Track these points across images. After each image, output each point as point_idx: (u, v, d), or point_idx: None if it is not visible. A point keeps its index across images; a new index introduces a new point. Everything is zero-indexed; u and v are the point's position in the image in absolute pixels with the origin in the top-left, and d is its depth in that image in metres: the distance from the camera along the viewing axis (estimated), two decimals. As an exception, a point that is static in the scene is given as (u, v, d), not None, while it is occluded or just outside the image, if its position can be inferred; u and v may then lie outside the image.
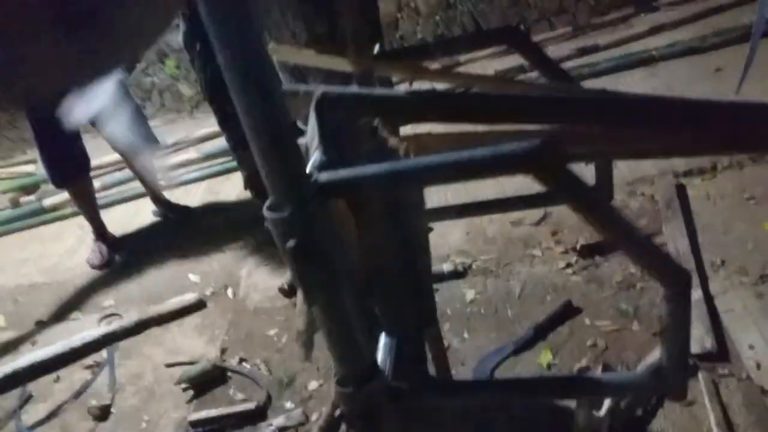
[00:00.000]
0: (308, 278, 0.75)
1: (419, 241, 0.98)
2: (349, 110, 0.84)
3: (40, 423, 2.34)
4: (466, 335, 2.23)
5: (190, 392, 2.30)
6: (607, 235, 0.76)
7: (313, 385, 2.20)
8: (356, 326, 0.84)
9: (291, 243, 0.70)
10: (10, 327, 3.03)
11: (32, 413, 2.41)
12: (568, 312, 2.19)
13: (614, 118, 0.94)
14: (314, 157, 0.84)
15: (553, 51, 4.38)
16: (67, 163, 2.94)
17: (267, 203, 0.72)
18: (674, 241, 2.32)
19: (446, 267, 2.50)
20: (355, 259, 0.90)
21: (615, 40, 4.27)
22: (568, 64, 4.10)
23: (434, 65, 1.15)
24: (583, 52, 4.23)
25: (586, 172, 1.19)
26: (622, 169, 2.77)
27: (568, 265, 2.41)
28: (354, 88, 0.97)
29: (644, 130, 1.05)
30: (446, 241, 2.65)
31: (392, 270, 0.96)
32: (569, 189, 0.71)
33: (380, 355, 1.04)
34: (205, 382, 2.29)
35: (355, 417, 0.89)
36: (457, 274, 2.49)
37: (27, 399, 2.48)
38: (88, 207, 3.24)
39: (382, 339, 1.08)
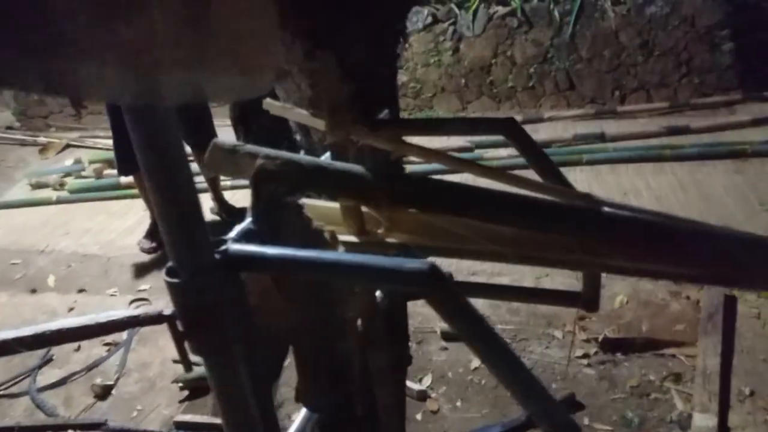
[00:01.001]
0: (196, 343, 0.76)
1: (338, 325, 0.96)
2: (287, 184, 0.84)
3: (49, 387, 2.49)
4: (458, 404, 2.17)
5: (185, 392, 2.36)
6: (492, 372, 0.72)
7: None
8: (249, 396, 0.84)
9: (170, 311, 0.70)
10: (57, 289, 3.26)
11: (47, 376, 2.57)
12: (569, 405, 2.07)
13: (590, 231, 0.91)
14: (241, 225, 0.85)
15: (641, 124, 4.21)
16: (134, 155, 3.13)
17: (165, 267, 0.74)
18: (704, 357, 2.14)
19: (460, 328, 2.44)
20: (269, 329, 0.90)
21: (709, 125, 4.03)
22: (652, 141, 3.92)
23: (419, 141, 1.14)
24: (673, 131, 4.02)
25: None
26: (672, 267, 2.60)
27: (585, 356, 2.29)
28: (318, 158, 0.97)
29: (622, 249, 1.00)
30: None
31: (307, 347, 0.95)
32: (455, 311, 0.68)
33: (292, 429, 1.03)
34: (200, 387, 2.36)
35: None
36: (469, 338, 2.42)
37: (47, 361, 2.65)
38: (147, 196, 3.44)
39: (300, 415, 1.08)
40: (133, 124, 0.63)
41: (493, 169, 1.08)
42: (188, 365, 2.40)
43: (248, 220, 0.87)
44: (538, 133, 4.32)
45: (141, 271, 3.26)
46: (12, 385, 2.53)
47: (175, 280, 0.73)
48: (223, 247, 0.77)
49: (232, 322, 0.77)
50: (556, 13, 4.60)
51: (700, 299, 2.47)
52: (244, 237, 0.81)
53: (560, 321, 2.47)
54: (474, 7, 4.79)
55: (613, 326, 2.37)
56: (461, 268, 2.63)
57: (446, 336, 2.46)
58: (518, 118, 4.60)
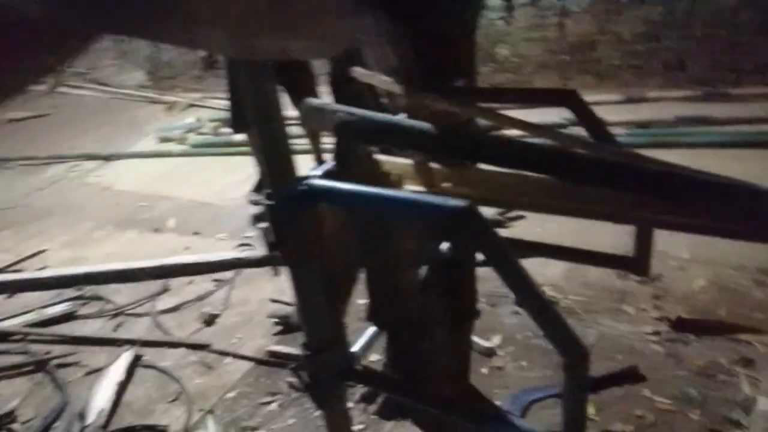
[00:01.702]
0: (282, 253, 0.98)
1: (400, 255, 1.13)
2: (361, 136, 1.03)
3: (166, 312, 2.88)
4: (523, 363, 2.30)
5: (278, 328, 2.66)
6: (515, 296, 0.87)
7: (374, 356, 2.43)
8: (323, 303, 1.04)
9: (264, 225, 0.92)
10: (177, 230, 3.69)
11: (164, 302, 2.96)
12: (630, 376, 2.14)
13: (643, 188, 0.95)
14: (325, 166, 1.05)
15: (751, 109, 4.01)
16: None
17: (264, 192, 0.95)
18: (779, 346, 2.13)
19: (533, 295, 2.55)
20: (343, 254, 1.10)
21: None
22: (762, 127, 3.74)
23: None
24: (788, 118, 3.82)
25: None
26: (760, 252, 2.55)
27: (656, 333, 2.33)
28: (389, 117, 1.15)
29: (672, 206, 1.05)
30: (543, 272, 2.68)
31: (374, 271, 1.14)
32: (485, 247, 0.84)
33: (360, 343, 1.22)
34: (292, 323, 2.64)
35: (306, 382, 1.10)
36: (541, 305, 2.52)
37: (165, 290, 3.05)
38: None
39: (369, 330, 1.27)
40: (244, 82, 0.84)
41: (550, 129, 1.19)
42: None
43: (331, 163, 1.07)
44: (639, 112, 4.23)
45: (248, 220, 3.61)
46: (137, 307, 2.95)
47: (270, 202, 0.95)
48: (308, 182, 0.97)
49: (309, 239, 0.98)
50: (671, -11, 4.44)
51: (787, 290, 2.42)
52: (325, 175, 1.01)
53: (634, 298, 2.51)
54: (583, -19, 4.71)
55: (688, 308, 2.39)
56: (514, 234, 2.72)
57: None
58: (621, 96, 4.51)
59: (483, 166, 1.14)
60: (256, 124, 0.85)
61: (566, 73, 4.95)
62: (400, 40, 1.15)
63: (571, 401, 0.88)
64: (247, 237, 3.45)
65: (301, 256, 0.97)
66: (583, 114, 1.19)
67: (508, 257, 0.84)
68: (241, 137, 4.59)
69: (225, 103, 5.77)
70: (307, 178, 0.96)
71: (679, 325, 2.33)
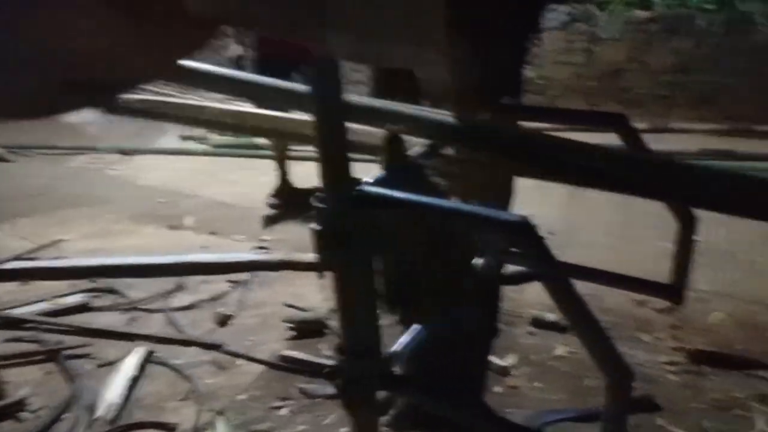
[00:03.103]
0: (329, 257, 0.98)
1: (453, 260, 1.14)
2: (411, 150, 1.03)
3: (180, 309, 2.89)
4: (538, 384, 2.29)
5: (292, 333, 2.66)
6: (564, 314, 0.87)
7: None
8: (365, 310, 1.05)
9: (316, 227, 0.93)
10: (195, 229, 3.71)
11: (178, 299, 2.97)
12: (645, 405, 2.13)
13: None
14: (379, 173, 1.06)
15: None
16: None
17: (316, 194, 0.96)
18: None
19: (550, 316, 2.55)
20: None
21: None
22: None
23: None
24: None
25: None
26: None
27: (672, 363, 2.31)
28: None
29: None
30: (561, 294, 2.67)
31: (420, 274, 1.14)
32: (539, 261, 0.84)
33: (400, 343, 1.21)
34: (306, 329, 2.64)
35: (341, 386, 1.10)
36: (557, 327, 2.52)
37: (179, 288, 3.06)
38: (279, 156, 3.81)
39: (411, 330, 1.26)
40: (315, 90, 0.85)
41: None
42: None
43: (380, 171, 1.08)
44: (663, 143, 4.23)
45: (265, 223, 3.63)
46: (151, 303, 2.96)
47: (323, 206, 0.96)
48: (360, 187, 0.98)
49: (358, 244, 0.98)
50: (702, 23, 4.44)
51: (807, 329, 2.40)
52: (377, 182, 1.02)
53: (651, 326, 2.50)
54: (614, 9, 4.73)
55: (705, 340, 2.37)
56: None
57: (536, 322, 2.58)
58: (644, 125, 4.51)
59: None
60: (320, 131, 0.86)
61: (592, 99, 4.97)
62: (467, 59, 1.16)
63: (613, 422, 0.88)
64: (263, 240, 3.46)
65: (349, 260, 0.98)
66: (631, 139, 1.20)
67: (560, 273, 0.84)
68: (262, 140, 4.64)
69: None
70: (360, 183, 0.97)
71: (697, 356, 2.32)
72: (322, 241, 0.96)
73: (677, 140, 4.30)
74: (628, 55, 4.80)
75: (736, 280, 2.70)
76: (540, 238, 0.83)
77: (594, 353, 0.88)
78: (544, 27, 4.98)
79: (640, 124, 4.52)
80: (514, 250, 0.92)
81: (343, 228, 0.94)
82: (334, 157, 0.93)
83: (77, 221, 3.88)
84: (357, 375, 1.09)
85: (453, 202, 1.03)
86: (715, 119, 4.63)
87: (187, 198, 4.06)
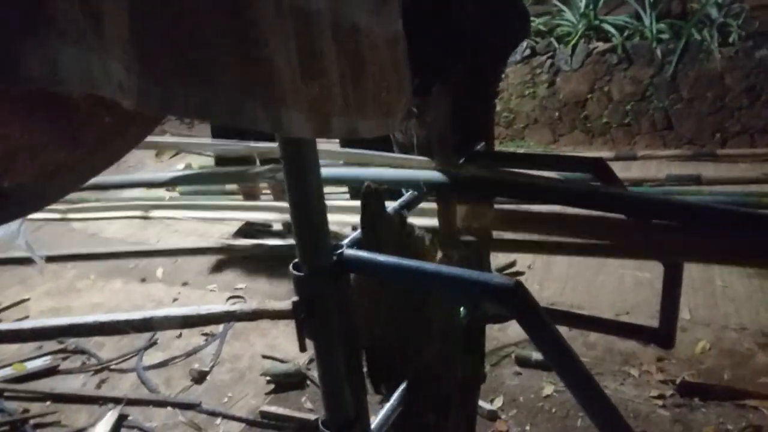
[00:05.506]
0: (309, 326, 0.92)
1: (424, 327, 1.09)
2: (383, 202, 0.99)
3: (153, 367, 2.77)
4: (527, 428, 2.22)
5: (271, 386, 2.56)
6: (561, 377, 0.83)
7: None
8: (346, 381, 0.98)
9: (295, 298, 0.87)
10: (164, 281, 3.59)
11: (151, 357, 2.85)
12: (638, 444, 2.08)
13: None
14: (353, 234, 1.01)
15: (741, 170, 4.10)
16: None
17: (292, 263, 0.91)
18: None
19: (536, 355, 2.50)
20: (370, 326, 1.04)
21: (817, 176, 3.87)
22: (751, 188, 3.80)
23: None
24: (774, 180, 3.89)
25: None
26: (760, 313, 2.55)
27: (661, 397, 2.28)
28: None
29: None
30: (544, 331, 2.63)
31: (392, 346, 1.08)
32: (532, 328, 0.79)
33: (378, 418, 1.16)
34: (286, 382, 2.55)
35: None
36: (544, 366, 2.47)
37: (152, 344, 2.94)
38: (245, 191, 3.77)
39: (391, 400, 1.20)
40: (287, 156, 0.80)
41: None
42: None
43: (356, 231, 1.03)
44: (630, 171, 4.29)
45: (240, 270, 3.54)
46: (122, 362, 2.83)
47: (299, 274, 0.90)
48: (339, 251, 0.92)
49: (339, 312, 0.92)
50: (659, 52, 4.55)
51: (790, 354, 2.40)
52: (356, 244, 0.97)
53: (637, 360, 2.47)
54: (574, 41, 4.83)
55: (692, 371, 2.35)
56: (541, 299, 2.68)
57: (521, 361, 2.53)
58: (611, 154, 4.58)
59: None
60: (293, 195, 0.81)
61: (557, 130, 5.03)
62: (440, 108, 1.13)
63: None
64: (238, 289, 3.36)
65: (330, 329, 0.92)
66: (610, 182, 1.18)
67: (557, 339, 0.80)
68: (231, 187, 4.57)
69: (214, 150, 5.73)
70: (338, 247, 0.92)
71: (686, 389, 2.29)
72: (300, 310, 0.90)
73: (644, 167, 4.37)
74: (590, 86, 4.90)
75: (717, 307, 2.71)
76: (534, 303, 0.79)
77: (593, 416, 0.83)
78: (507, 61, 5.06)
79: (606, 153, 4.60)
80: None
81: (321, 297, 0.89)
82: (310, 221, 0.87)
83: (41, 278, 3.72)
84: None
85: (437, 265, 0.98)
86: (677, 145, 4.73)
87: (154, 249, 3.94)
